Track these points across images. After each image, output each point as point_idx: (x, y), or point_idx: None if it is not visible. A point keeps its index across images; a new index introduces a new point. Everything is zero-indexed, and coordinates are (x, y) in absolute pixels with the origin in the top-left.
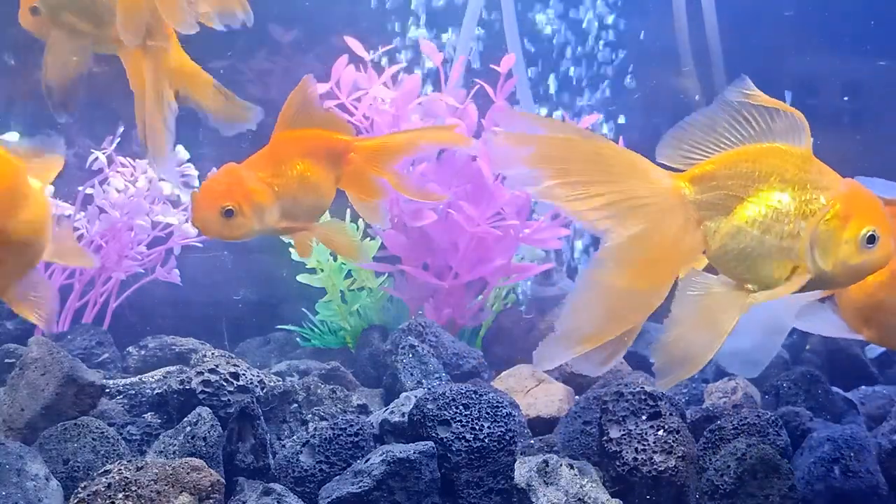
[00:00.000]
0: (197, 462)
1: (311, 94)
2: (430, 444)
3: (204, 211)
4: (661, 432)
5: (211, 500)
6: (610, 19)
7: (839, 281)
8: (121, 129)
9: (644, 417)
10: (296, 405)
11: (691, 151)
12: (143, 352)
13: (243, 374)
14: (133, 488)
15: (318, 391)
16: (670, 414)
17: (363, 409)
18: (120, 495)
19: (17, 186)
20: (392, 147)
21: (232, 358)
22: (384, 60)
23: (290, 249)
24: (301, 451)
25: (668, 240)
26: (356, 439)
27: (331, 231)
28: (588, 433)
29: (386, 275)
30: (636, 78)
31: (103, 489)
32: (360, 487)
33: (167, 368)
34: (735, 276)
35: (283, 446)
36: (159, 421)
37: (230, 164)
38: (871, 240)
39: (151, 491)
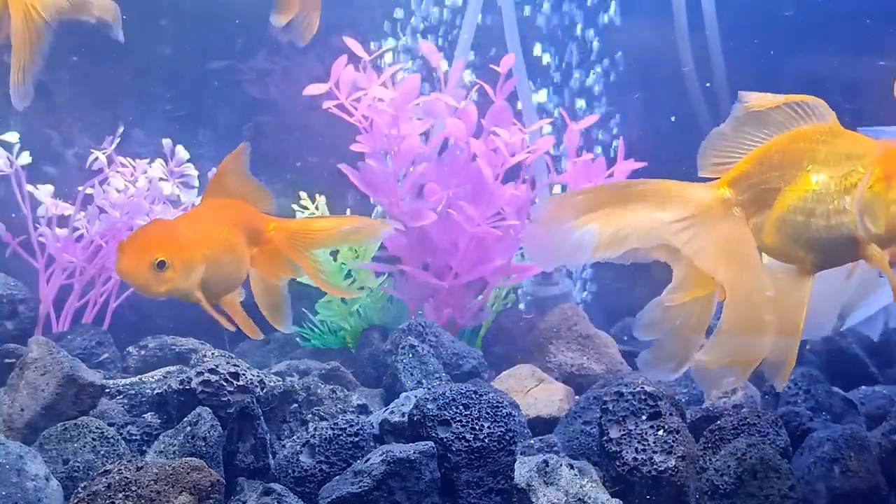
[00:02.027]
0: (197, 462)
1: (244, 161)
2: (430, 444)
3: (134, 260)
4: (661, 432)
5: (211, 500)
6: (609, 20)
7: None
8: (121, 129)
9: (644, 417)
10: (296, 405)
11: (724, 159)
12: (143, 352)
13: (243, 374)
14: (133, 488)
15: (318, 391)
16: (670, 414)
17: (363, 409)
18: (120, 495)
19: None
20: (310, 234)
21: (232, 358)
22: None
23: None
24: (301, 451)
25: (726, 246)
26: (356, 439)
27: (233, 307)
28: (588, 433)
29: (386, 275)
30: (636, 78)
31: (103, 489)
32: (360, 487)
33: (167, 368)
34: (794, 260)
35: (283, 446)
36: (159, 421)
37: (159, 218)
38: None
39: (151, 491)
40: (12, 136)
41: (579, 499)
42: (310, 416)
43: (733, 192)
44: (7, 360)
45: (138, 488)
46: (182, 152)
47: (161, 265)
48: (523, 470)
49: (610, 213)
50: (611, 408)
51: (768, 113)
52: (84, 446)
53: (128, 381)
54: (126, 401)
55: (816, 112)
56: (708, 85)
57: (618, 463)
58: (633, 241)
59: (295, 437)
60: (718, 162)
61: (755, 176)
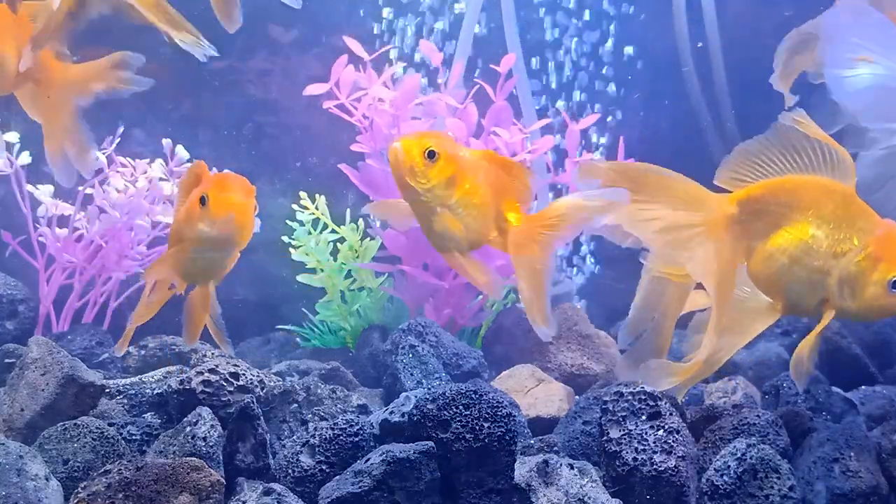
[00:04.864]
0: (197, 462)
1: None
2: (431, 444)
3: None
4: (660, 432)
5: (211, 500)
6: (610, 20)
7: (863, 317)
8: (121, 129)
9: (644, 417)
10: (296, 405)
11: (744, 174)
12: (143, 352)
13: (243, 374)
14: (133, 488)
15: (318, 391)
16: (670, 414)
17: (363, 409)
18: (120, 495)
19: None
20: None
21: (232, 358)
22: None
23: (291, 249)
24: (301, 451)
25: (714, 252)
26: (356, 439)
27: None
28: (588, 433)
29: (386, 275)
30: (636, 78)
31: (103, 489)
32: (360, 487)
33: (167, 368)
34: (767, 294)
35: (283, 446)
36: (159, 421)
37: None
38: None
39: (151, 491)
40: (12, 136)
41: (579, 499)
42: (310, 416)
43: (738, 211)
44: (7, 360)
45: (138, 488)
46: (182, 152)
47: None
48: (523, 470)
49: (637, 192)
50: (611, 408)
51: (802, 140)
52: (84, 446)
53: (128, 381)
54: (126, 401)
55: (841, 166)
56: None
57: (618, 463)
58: (643, 222)
59: (295, 437)
60: (735, 176)
61: (763, 203)
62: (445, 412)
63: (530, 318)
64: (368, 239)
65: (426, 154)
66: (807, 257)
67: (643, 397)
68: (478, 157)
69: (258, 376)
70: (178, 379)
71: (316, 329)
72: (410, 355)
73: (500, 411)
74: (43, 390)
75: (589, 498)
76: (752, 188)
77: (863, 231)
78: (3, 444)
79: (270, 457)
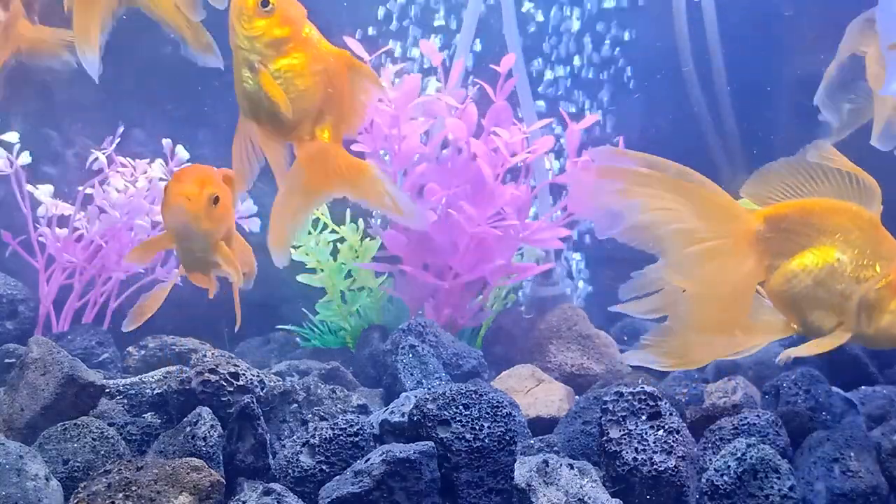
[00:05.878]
0: (197, 462)
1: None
2: (430, 444)
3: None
4: (660, 432)
5: (211, 500)
6: (609, 20)
7: (878, 344)
8: (121, 129)
9: (644, 417)
10: (296, 405)
11: (772, 193)
12: (143, 352)
13: (243, 374)
14: (133, 488)
15: (318, 391)
16: (670, 414)
17: (363, 409)
18: (120, 495)
19: None
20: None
21: (232, 358)
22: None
23: (291, 249)
24: (301, 451)
25: (733, 264)
26: (356, 439)
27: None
28: (588, 433)
29: (386, 275)
30: (636, 78)
31: (103, 489)
32: (360, 487)
33: (167, 368)
34: (784, 313)
35: (283, 446)
36: (159, 421)
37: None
38: None
39: (151, 491)
40: (12, 136)
41: (579, 499)
42: (310, 416)
43: (765, 228)
44: (7, 360)
45: (138, 488)
46: (182, 152)
47: (216, 200)
48: (523, 470)
49: (656, 199)
50: (611, 408)
51: (829, 170)
52: (84, 446)
53: (128, 381)
54: (126, 401)
55: (867, 193)
56: (685, 69)
57: (618, 463)
58: (659, 231)
59: (295, 437)
60: (758, 192)
61: (790, 223)
62: (445, 412)
63: (271, 239)
64: (368, 239)
65: (261, 2)
66: (830, 280)
67: (643, 397)
68: (329, 49)
69: (258, 376)
70: (178, 379)
71: (316, 329)
72: (410, 355)
73: (500, 411)
74: (43, 390)
75: (589, 498)
76: (781, 206)
77: (885, 259)
78: (3, 444)
79: (270, 457)
